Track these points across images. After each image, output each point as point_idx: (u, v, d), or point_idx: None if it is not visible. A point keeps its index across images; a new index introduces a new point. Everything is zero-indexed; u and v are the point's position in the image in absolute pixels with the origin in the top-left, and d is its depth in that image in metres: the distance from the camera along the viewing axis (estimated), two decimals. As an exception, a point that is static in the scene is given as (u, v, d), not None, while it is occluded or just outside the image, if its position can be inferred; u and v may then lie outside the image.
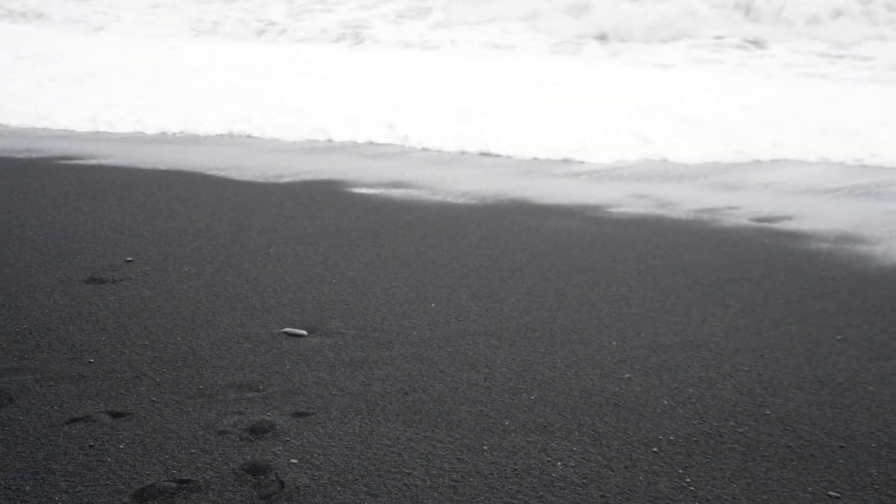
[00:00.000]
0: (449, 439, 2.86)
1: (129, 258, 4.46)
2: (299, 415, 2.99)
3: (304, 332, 3.63)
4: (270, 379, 3.23)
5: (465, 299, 4.00)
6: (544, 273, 4.32)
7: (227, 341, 3.54)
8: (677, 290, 4.11)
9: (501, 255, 4.61)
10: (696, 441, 2.85)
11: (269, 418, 2.95)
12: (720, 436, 2.88)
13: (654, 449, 2.81)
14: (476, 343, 3.56)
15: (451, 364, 3.38)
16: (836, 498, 2.56)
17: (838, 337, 3.62)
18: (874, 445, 2.83)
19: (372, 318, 3.78)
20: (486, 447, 2.81)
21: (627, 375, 3.29)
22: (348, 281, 4.21)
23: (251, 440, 2.82)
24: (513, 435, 2.88)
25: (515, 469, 2.69)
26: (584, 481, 2.63)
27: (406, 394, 3.15)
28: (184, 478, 2.61)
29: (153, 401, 3.06)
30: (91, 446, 2.77)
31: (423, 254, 4.61)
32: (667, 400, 3.11)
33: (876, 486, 2.61)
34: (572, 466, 2.70)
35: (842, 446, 2.83)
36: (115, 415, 2.96)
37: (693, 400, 3.12)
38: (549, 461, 2.73)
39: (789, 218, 5.33)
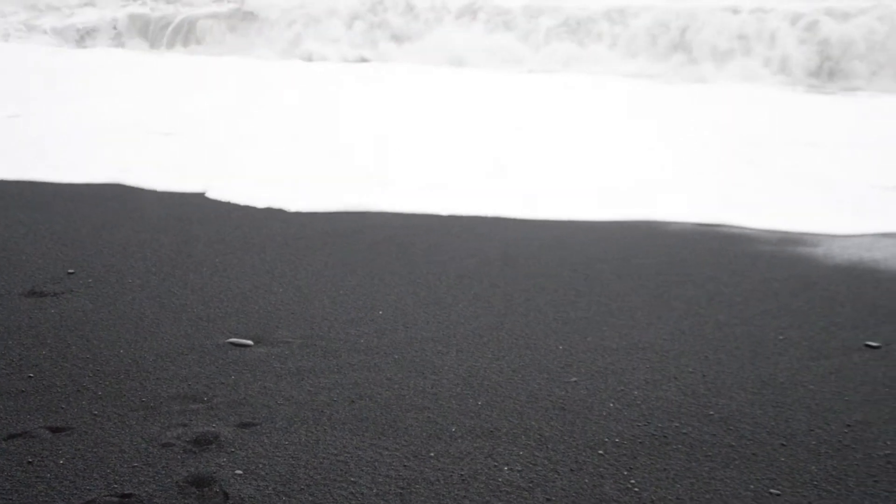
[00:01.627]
0: (395, 446, 2.85)
1: (70, 270, 4.39)
2: (244, 425, 2.96)
3: (250, 342, 3.60)
4: (215, 390, 3.20)
5: (413, 306, 3.99)
6: (492, 279, 4.34)
7: (172, 353, 3.50)
8: (623, 294, 4.14)
9: (449, 261, 4.61)
10: (640, 442, 2.88)
11: (213, 429, 2.92)
12: (664, 437, 2.91)
13: (600, 451, 2.82)
14: (423, 350, 3.56)
15: (398, 371, 3.37)
16: (777, 495, 2.59)
17: (780, 337, 3.68)
18: (814, 443, 2.87)
19: (319, 327, 3.76)
20: (432, 453, 2.81)
21: (574, 379, 3.31)
22: (295, 290, 4.18)
23: (195, 452, 2.79)
24: (459, 441, 2.88)
25: (462, 475, 2.68)
26: (530, 485, 2.63)
27: (353, 402, 3.13)
28: (126, 492, 2.57)
29: (94, 415, 3.01)
30: (30, 462, 2.71)
31: (371, 261, 4.60)
32: (612, 402, 3.13)
33: (815, 483, 2.65)
34: (518, 470, 2.71)
35: (783, 444, 2.87)
36: (54, 430, 2.91)
37: (638, 402, 3.14)
38: (495, 466, 2.73)
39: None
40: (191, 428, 2.93)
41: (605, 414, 3.05)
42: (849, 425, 2.98)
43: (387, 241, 4.94)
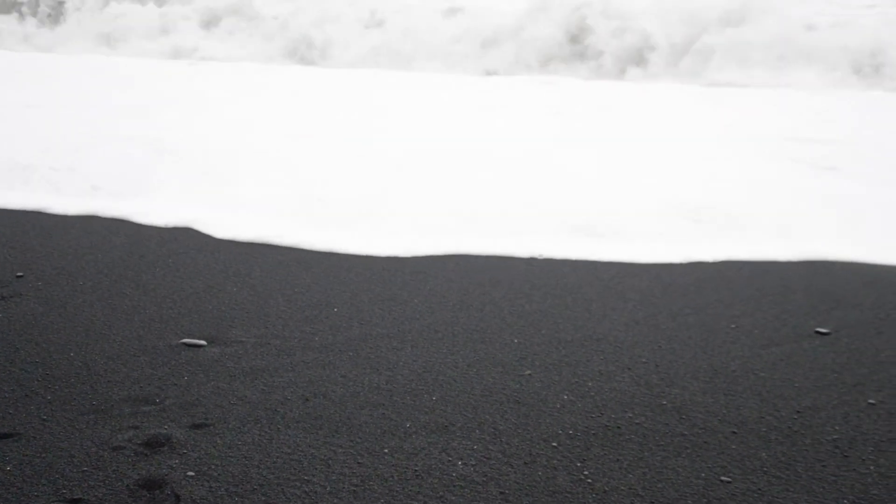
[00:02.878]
0: (349, 444, 2.84)
1: (19, 273, 4.33)
2: (197, 426, 2.93)
3: (204, 343, 3.57)
4: (168, 391, 3.17)
5: (368, 302, 3.98)
6: (447, 274, 4.34)
7: (123, 355, 3.46)
8: (578, 286, 4.16)
9: (405, 256, 4.60)
10: (594, 434, 2.89)
11: (165, 431, 2.89)
12: (618, 427, 2.93)
13: (554, 444, 2.83)
14: (378, 346, 3.55)
15: (352, 368, 3.36)
16: (728, 482, 2.62)
17: (732, 326, 3.72)
18: (764, 429, 2.91)
19: (273, 325, 3.74)
20: (386, 450, 2.80)
21: (528, 372, 3.32)
22: (249, 288, 4.15)
23: (147, 455, 2.76)
24: (414, 436, 2.88)
25: (416, 470, 2.68)
26: (484, 479, 2.64)
27: (307, 400, 3.12)
28: (75, 497, 2.53)
29: (43, 419, 2.97)
30: (-24, 469, 2.67)
31: (326, 258, 4.58)
32: (566, 394, 3.15)
33: (765, 469, 2.69)
34: (472, 465, 2.71)
35: (734, 432, 2.90)
36: (2, 436, 2.86)
37: (592, 393, 3.16)
38: (449, 461, 2.73)
39: (687, 211, 5.45)
40: (142, 430, 2.89)
41: (559, 406, 3.07)
42: (798, 411, 3.02)
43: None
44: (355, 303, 3.98)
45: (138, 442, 2.83)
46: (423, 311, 3.88)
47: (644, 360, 3.42)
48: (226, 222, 5.12)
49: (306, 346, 3.55)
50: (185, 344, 3.56)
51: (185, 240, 4.87)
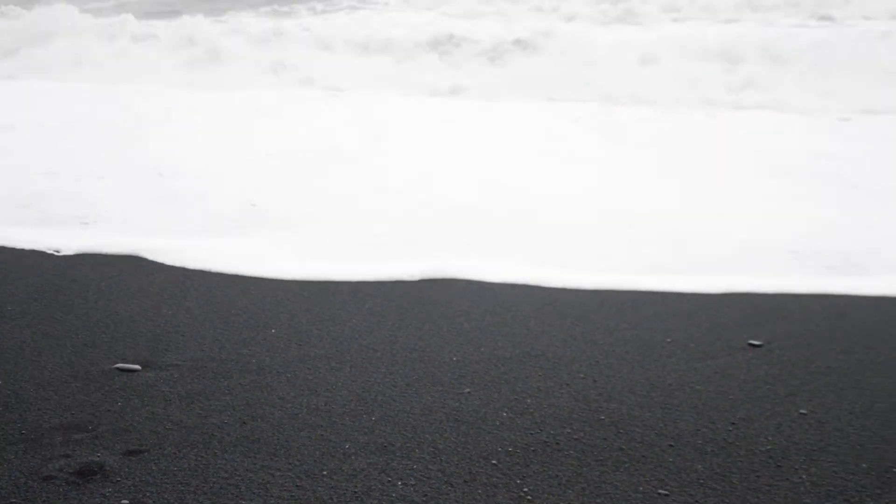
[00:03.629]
0: (288, 467, 2.81)
1: (-54, 300, 4.21)
2: (131, 453, 2.87)
3: (138, 367, 3.51)
4: (101, 418, 3.10)
5: (306, 323, 3.95)
6: (386, 292, 4.33)
7: (54, 381, 3.38)
8: (515, 304, 4.18)
9: (342, 276, 4.58)
10: (533, 450, 2.90)
11: (98, 459, 2.83)
12: (557, 443, 2.95)
13: (493, 461, 2.84)
14: (317, 367, 3.52)
15: (290, 390, 3.33)
16: (666, 495, 2.65)
17: (668, 340, 3.77)
18: (700, 442, 2.95)
19: (209, 348, 3.69)
20: (325, 472, 2.78)
21: (467, 390, 3.32)
22: (185, 311, 4.09)
23: (79, 484, 2.70)
24: (353, 458, 2.86)
25: (356, 492, 2.66)
26: (424, 499, 2.63)
27: (244, 423, 3.08)
28: (3, 529, 2.47)
29: (-30, 450, 2.89)
30: None
31: (264, 282, 4.53)
32: (505, 412, 3.16)
33: (702, 482, 2.72)
34: (412, 485, 2.70)
35: (671, 445, 2.93)
36: (-73, 468, 2.78)
37: (531, 410, 3.17)
38: (389, 481, 2.72)
39: (623, 227, 5.52)
40: (74, 459, 2.83)
41: (498, 423, 3.07)
42: (733, 423, 3.07)
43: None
44: (293, 324, 3.95)
45: (70, 471, 2.76)
46: (362, 331, 3.87)
47: (582, 375, 3.44)
48: (172, 247, 5.05)
49: (243, 368, 3.51)
50: (118, 369, 3.49)
51: (119, 264, 4.78)
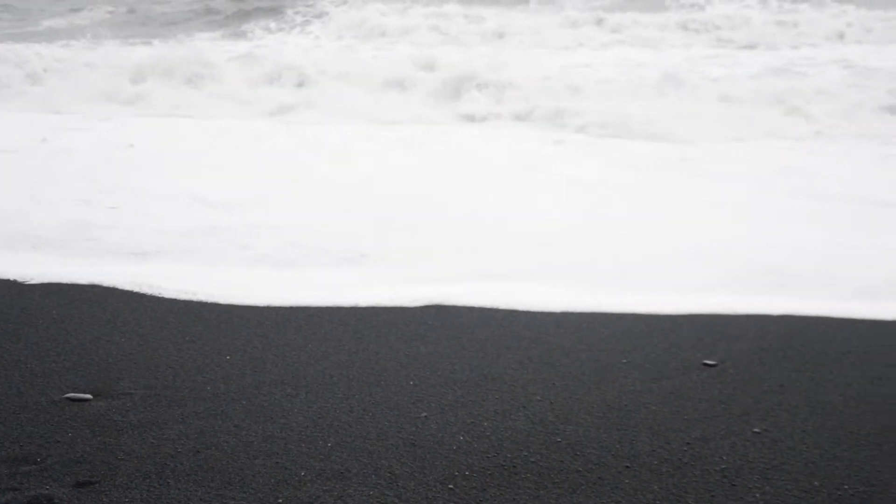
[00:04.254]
0: (242, 495, 2.77)
1: None
2: (81, 485, 2.82)
3: (89, 396, 3.45)
4: (50, 449, 3.04)
5: (261, 349, 3.92)
6: (342, 317, 4.30)
7: (2, 412, 3.31)
8: (472, 326, 4.18)
9: (298, 301, 4.55)
10: (490, 474, 2.90)
11: (47, 492, 2.77)
12: (514, 467, 2.94)
13: (450, 486, 2.83)
14: (272, 393, 3.49)
15: (245, 417, 3.29)
16: (622, 517, 2.66)
17: (623, 361, 3.79)
18: (656, 462, 2.96)
19: (163, 376, 3.64)
20: (280, 500, 2.75)
21: (424, 414, 3.31)
22: (139, 338, 4.04)
23: (27, 517, 2.64)
24: (308, 485, 2.83)
25: (311, 520, 2.64)
26: (381, 525, 2.61)
27: (198, 452, 3.04)
28: (-52, 566, 2.40)
29: (-86, 484, 2.81)
30: None
31: (217, 305, 4.49)
32: (462, 435, 3.15)
33: (657, 502, 2.73)
34: (369, 511, 2.68)
35: (627, 466, 2.94)
36: None
37: (488, 433, 3.17)
38: (345, 508, 2.70)
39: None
40: (22, 492, 2.77)
41: (455, 447, 3.06)
42: (688, 443, 3.09)
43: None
44: (248, 350, 3.91)
45: (18, 504, 2.70)
46: (318, 357, 3.84)
47: (539, 398, 3.45)
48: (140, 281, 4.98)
49: (197, 396, 3.47)
50: (69, 399, 3.43)
51: (70, 291, 4.71)
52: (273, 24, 19.05)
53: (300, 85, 11.57)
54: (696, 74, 11.12)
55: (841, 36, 14.84)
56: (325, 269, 5.13)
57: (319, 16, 19.41)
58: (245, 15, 20.19)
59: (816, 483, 2.84)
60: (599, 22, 16.15)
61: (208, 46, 15.29)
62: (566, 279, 4.90)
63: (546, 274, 4.99)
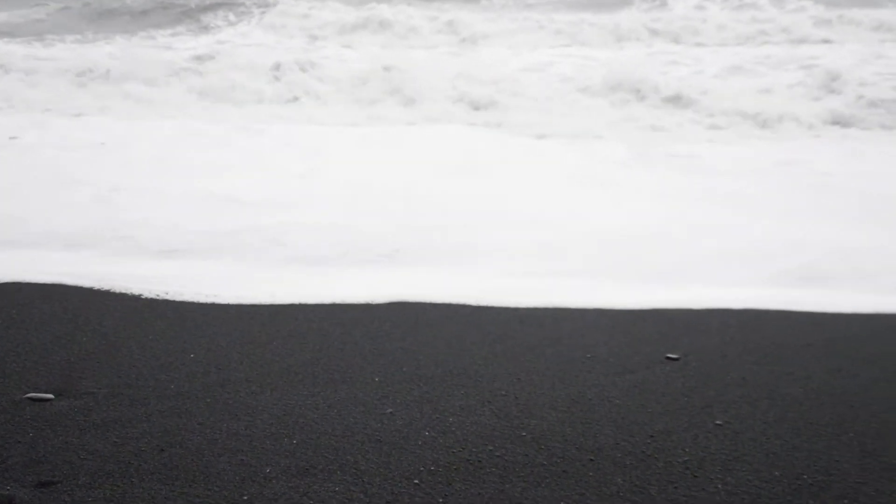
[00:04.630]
0: (207, 493, 2.76)
1: None
2: (43, 485, 2.79)
3: (51, 396, 3.41)
4: (11, 449, 3.01)
5: (226, 347, 3.90)
6: (307, 314, 4.29)
7: (-38, 413, 3.27)
8: (438, 322, 4.19)
9: (263, 299, 4.53)
10: (456, 469, 2.91)
11: (7, 492, 2.74)
12: (479, 461, 2.95)
13: (416, 481, 2.83)
14: (237, 391, 3.47)
15: (210, 415, 3.28)
16: (586, 509, 2.68)
17: (588, 355, 3.81)
18: (619, 455, 2.99)
19: (126, 375, 3.61)
20: (245, 497, 2.74)
21: (389, 410, 3.31)
22: (101, 337, 4.00)
23: (-13, 518, 2.61)
24: (274, 482, 2.83)
25: (276, 517, 2.63)
26: (346, 521, 2.61)
27: (162, 450, 3.02)
28: None
29: None
30: None
31: (182, 305, 4.46)
32: (428, 431, 3.16)
33: (621, 494, 2.76)
34: (334, 507, 2.68)
35: (591, 459, 2.97)
36: None
37: (453, 428, 3.18)
38: (310, 505, 2.70)
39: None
40: (-18, 492, 2.74)
41: (420, 443, 3.07)
42: (651, 436, 3.12)
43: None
44: (212, 348, 3.89)
45: (-22, 505, 2.67)
46: (283, 354, 3.83)
47: (503, 392, 3.46)
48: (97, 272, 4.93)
49: (161, 394, 3.44)
50: (30, 398, 3.39)
51: (30, 289, 4.66)
52: (232, 16, 18.86)
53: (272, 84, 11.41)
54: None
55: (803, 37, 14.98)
56: (294, 266, 5.11)
57: (268, 7, 19.21)
58: (204, 9, 19.97)
59: (777, 473, 2.88)
60: (553, 21, 16.11)
61: (171, 42, 15.14)
62: (533, 275, 4.92)
63: (513, 270, 5.01)
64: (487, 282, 4.80)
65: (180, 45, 14.83)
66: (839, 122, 9.10)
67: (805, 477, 2.86)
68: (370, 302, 4.45)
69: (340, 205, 6.24)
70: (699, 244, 5.38)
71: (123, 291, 4.61)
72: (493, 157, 7.88)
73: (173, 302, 4.47)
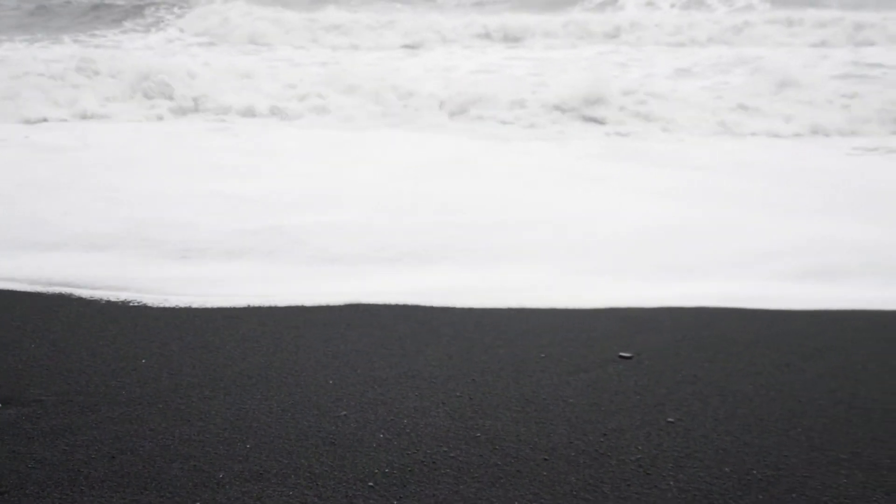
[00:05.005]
0: (159, 500, 2.73)
1: None
2: (-10, 495, 2.74)
3: (-2, 404, 3.36)
4: (-43, 459, 2.95)
5: (178, 352, 3.86)
6: (260, 318, 4.27)
7: None
8: (392, 324, 4.18)
9: (216, 302, 4.49)
10: (410, 470, 2.91)
11: (-47, 503, 2.69)
12: (433, 462, 2.96)
13: (370, 483, 2.83)
14: (189, 396, 3.44)
15: (162, 421, 3.24)
16: (540, 509, 2.70)
17: (542, 355, 3.83)
18: (573, 454, 3.01)
19: (76, 382, 3.55)
20: (198, 503, 2.71)
21: (344, 413, 3.30)
22: (49, 344, 3.94)
23: (-68, 530, 2.56)
24: (227, 487, 2.81)
25: (229, 522, 2.61)
26: (300, 525, 2.60)
27: (112, 458, 2.98)
28: None
29: None
30: None
31: (132, 308, 4.41)
32: (382, 433, 3.15)
33: (575, 493, 2.78)
34: (288, 512, 2.67)
35: (545, 459, 2.98)
36: None
37: (408, 430, 3.18)
38: (264, 510, 2.68)
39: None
40: (-73, 504, 2.68)
41: (375, 445, 3.07)
42: (605, 434, 3.15)
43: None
44: (164, 353, 3.85)
45: (-77, 516, 2.62)
46: (236, 358, 3.80)
47: (458, 393, 3.47)
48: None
49: (112, 401, 3.40)
50: (-24, 407, 3.33)
51: (-23, 295, 4.57)
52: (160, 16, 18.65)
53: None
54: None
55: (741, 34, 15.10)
56: (238, 271, 5.07)
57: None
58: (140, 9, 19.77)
59: (727, 469, 2.92)
60: (501, 26, 16.03)
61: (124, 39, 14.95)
62: (489, 276, 4.94)
63: (463, 271, 5.02)
64: (441, 283, 4.81)
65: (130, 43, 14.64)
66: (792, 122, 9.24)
67: (755, 472, 2.91)
68: (324, 304, 4.43)
69: (292, 209, 6.21)
70: (645, 246, 5.43)
71: (70, 294, 4.54)
72: (453, 157, 7.90)
73: (124, 306, 4.42)
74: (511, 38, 15.61)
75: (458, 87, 10.51)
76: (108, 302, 4.48)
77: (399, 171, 7.33)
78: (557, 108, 9.77)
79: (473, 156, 8.02)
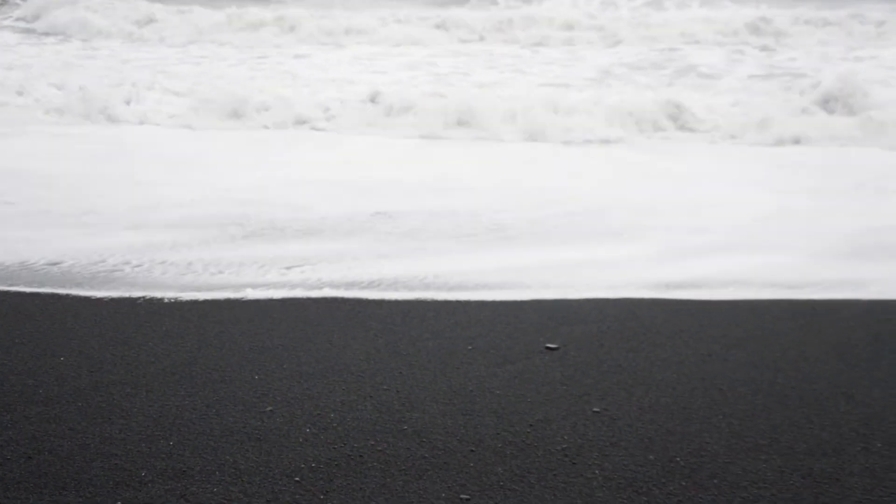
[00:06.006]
0: (79, 500, 2.67)
1: None
2: None
3: None
4: None
5: (98, 348, 3.77)
6: (184, 313, 4.19)
7: None
8: (319, 319, 4.15)
9: (139, 298, 4.40)
10: (337, 465, 2.89)
11: None
12: (360, 456, 2.95)
13: (296, 478, 2.81)
14: (110, 394, 3.37)
15: (81, 420, 3.17)
16: (467, 500, 2.71)
17: (469, 347, 3.84)
18: (500, 445, 3.03)
19: (-10, 380, 3.45)
20: (120, 501, 2.66)
21: (269, 408, 3.27)
22: (-38, 342, 3.82)
23: None
24: (150, 485, 2.76)
25: (152, 521, 2.56)
26: (225, 522, 2.56)
27: (29, 458, 2.90)
28: None
29: None
30: None
31: (51, 305, 4.29)
32: (309, 428, 3.13)
33: (501, 484, 2.80)
34: (212, 509, 2.63)
35: (472, 450, 2.99)
36: None
37: (335, 424, 3.16)
38: (187, 507, 2.64)
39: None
40: None
41: (301, 440, 3.04)
42: (531, 425, 3.17)
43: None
44: (84, 350, 3.76)
45: None
46: (159, 354, 3.73)
47: (385, 387, 3.46)
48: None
49: (28, 399, 3.31)
50: None
51: None
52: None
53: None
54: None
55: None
56: (166, 265, 4.98)
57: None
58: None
59: (651, 457, 2.97)
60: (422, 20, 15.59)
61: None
62: (416, 267, 4.93)
63: (388, 262, 5.01)
64: (364, 276, 4.78)
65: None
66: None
67: (678, 459, 2.96)
68: (249, 298, 4.38)
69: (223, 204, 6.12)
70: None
71: (-13, 293, 4.41)
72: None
73: (44, 299, 4.30)
74: (438, 31, 15.40)
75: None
76: (21, 291, 4.36)
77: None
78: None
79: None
